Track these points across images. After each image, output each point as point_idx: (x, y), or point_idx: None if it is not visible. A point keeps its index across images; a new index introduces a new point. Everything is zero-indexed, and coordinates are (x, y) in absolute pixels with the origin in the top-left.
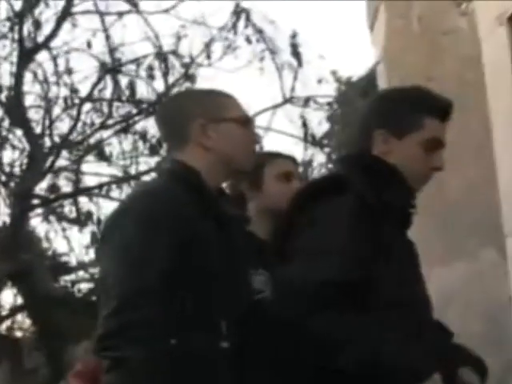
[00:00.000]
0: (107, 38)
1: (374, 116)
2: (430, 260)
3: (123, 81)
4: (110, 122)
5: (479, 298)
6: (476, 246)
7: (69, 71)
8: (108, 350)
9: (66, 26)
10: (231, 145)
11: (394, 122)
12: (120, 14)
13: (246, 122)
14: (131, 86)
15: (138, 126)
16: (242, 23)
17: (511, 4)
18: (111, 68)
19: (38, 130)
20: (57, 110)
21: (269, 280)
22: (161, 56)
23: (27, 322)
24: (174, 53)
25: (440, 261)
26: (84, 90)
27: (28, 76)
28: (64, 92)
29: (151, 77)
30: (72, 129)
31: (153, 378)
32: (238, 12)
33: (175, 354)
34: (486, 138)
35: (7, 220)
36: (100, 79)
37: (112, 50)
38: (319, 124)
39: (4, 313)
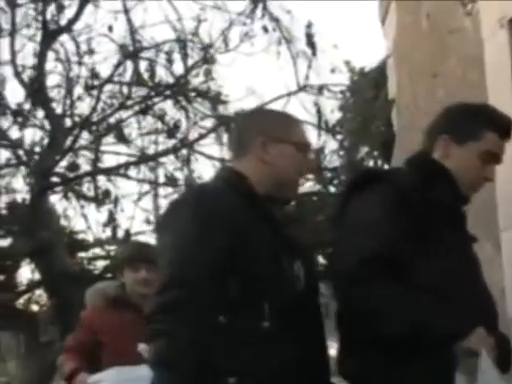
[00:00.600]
0: (128, 21)
1: (440, 122)
2: None
3: (143, 64)
4: (129, 102)
5: None
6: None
7: (90, 52)
8: (155, 323)
9: (89, 8)
10: (285, 165)
11: (456, 129)
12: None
13: (304, 148)
14: (151, 69)
15: (157, 109)
16: (259, 12)
17: None
18: (131, 53)
19: (58, 109)
20: (78, 90)
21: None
22: (180, 40)
23: (44, 297)
24: (194, 35)
25: None
26: (104, 71)
27: (50, 56)
28: (85, 73)
29: (170, 61)
30: (93, 110)
31: (195, 350)
32: (256, 1)
33: (222, 330)
34: None
35: (27, 197)
36: (120, 63)
37: (133, 34)
38: (331, 112)
39: (22, 288)
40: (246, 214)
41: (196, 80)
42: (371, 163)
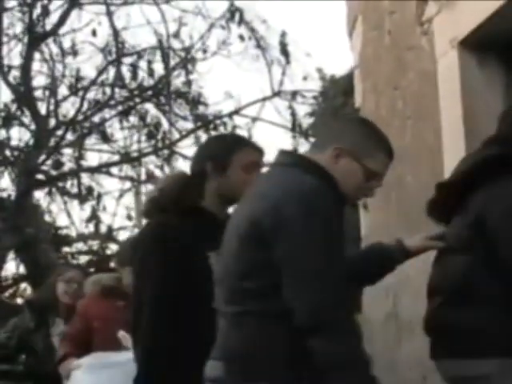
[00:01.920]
0: (111, 25)
1: None
2: None
3: (125, 66)
4: (112, 103)
5: None
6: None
7: (74, 53)
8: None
9: (73, 12)
10: (347, 181)
11: None
12: (124, 3)
13: (375, 177)
14: (133, 72)
15: (139, 108)
16: (235, 21)
17: (462, 29)
18: (114, 59)
19: (43, 110)
20: (62, 91)
21: None
22: (162, 45)
23: (29, 290)
24: (176, 36)
25: None
26: (88, 70)
27: (35, 56)
28: (69, 74)
29: (151, 69)
30: (78, 111)
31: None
32: (232, 11)
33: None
34: (438, 144)
35: (12, 194)
36: (103, 69)
37: (116, 39)
38: (304, 117)
39: (8, 282)
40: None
41: (177, 81)
42: None
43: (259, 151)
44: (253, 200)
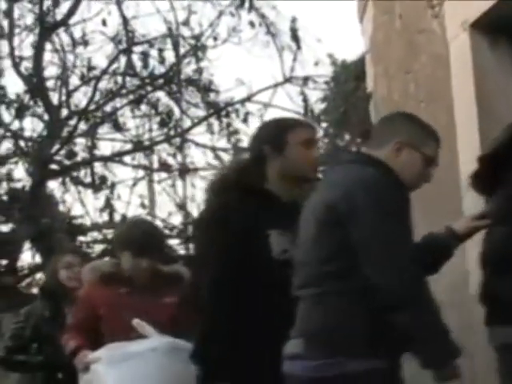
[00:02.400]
0: (121, 14)
1: None
2: None
3: (136, 55)
4: (124, 91)
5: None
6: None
7: (85, 43)
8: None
9: (83, 2)
10: (410, 171)
11: None
12: None
13: (432, 163)
14: (144, 60)
15: (151, 97)
16: (245, 8)
17: (474, 12)
18: (125, 49)
19: (55, 99)
20: (74, 81)
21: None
22: (172, 33)
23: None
24: (185, 24)
25: None
26: (99, 59)
27: (47, 46)
28: (81, 64)
29: (162, 56)
30: (90, 101)
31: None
32: None
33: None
34: (451, 126)
35: (27, 185)
36: (114, 58)
37: (126, 28)
38: (316, 102)
39: (24, 271)
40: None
41: (188, 69)
42: (353, 150)
43: (311, 128)
44: (326, 188)
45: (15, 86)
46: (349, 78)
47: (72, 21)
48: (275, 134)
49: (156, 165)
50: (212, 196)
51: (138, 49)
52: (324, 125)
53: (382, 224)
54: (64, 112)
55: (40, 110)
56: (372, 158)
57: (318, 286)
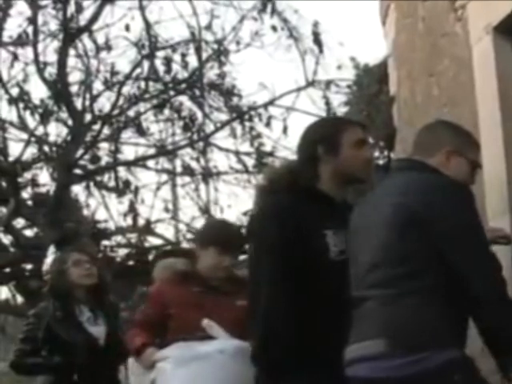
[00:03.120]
0: (144, 19)
1: None
2: None
3: (158, 60)
4: (147, 96)
5: None
6: None
7: (108, 48)
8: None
9: (106, 7)
10: (459, 175)
11: None
12: None
13: (476, 166)
14: (167, 65)
15: (174, 101)
16: (267, 12)
17: (497, 15)
18: (147, 54)
19: (79, 105)
20: (97, 86)
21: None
22: (194, 37)
23: None
24: (208, 28)
25: None
26: (121, 65)
27: (70, 52)
28: (104, 69)
29: (184, 61)
30: (113, 106)
31: None
32: (264, 2)
33: None
34: (474, 129)
35: (51, 190)
36: (138, 64)
37: (149, 33)
38: (338, 106)
39: (49, 276)
40: None
41: (210, 73)
42: (376, 153)
43: (363, 127)
44: (394, 193)
45: (40, 91)
46: (372, 82)
47: (95, 26)
48: (329, 134)
49: (179, 169)
50: (264, 196)
51: (160, 53)
52: None
53: (468, 224)
54: (88, 117)
55: (64, 115)
56: (428, 165)
57: (393, 286)
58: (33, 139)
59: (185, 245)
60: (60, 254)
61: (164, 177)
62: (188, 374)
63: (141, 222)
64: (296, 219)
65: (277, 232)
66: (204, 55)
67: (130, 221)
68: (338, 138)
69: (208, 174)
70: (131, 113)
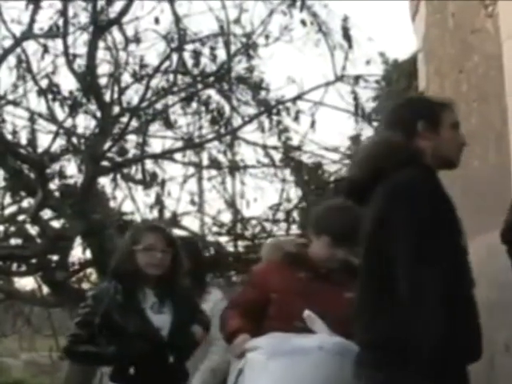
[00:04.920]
0: (173, 13)
1: None
2: None
3: (187, 53)
4: (175, 89)
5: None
6: (491, 224)
7: (137, 41)
8: None
9: (136, 0)
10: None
11: None
12: None
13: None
14: (195, 58)
15: (202, 94)
16: (297, 6)
17: None
18: (177, 47)
19: (107, 97)
20: (126, 78)
21: None
22: (223, 31)
23: (94, 275)
24: (237, 22)
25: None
26: (150, 57)
27: (100, 44)
28: (133, 61)
29: (213, 54)
30: (142, 99)
31: None
32: None
33: None
34: (503, 126)
35: (78, 181)
36: (167, 57)
37: (178, 26)
38: (367, 101)
39: (75, 267)
40: None
41: (239, 67)
42: None
43: (456, 112)
44: None
45: (69, 83)
46: (401, 77)
47: (125, 19)
48: (432, 110)
49: (206, 162)
50: (387, 170)
51: (189, 47)
52: (375, 124)
53: None
54: (116, 109)
55: (93, 107)
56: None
57: None
58: (61, 131)
59: (210, 238)
60: (134, 231)
61: (191, 170)
62: (280, 368)
63: (167, 214)
64: (438, 197)
65: (423, 207)
66: (232, 49)
67: (156, 213)
68: (440, 116)
69: (235, 168)
70: (159, 106)
